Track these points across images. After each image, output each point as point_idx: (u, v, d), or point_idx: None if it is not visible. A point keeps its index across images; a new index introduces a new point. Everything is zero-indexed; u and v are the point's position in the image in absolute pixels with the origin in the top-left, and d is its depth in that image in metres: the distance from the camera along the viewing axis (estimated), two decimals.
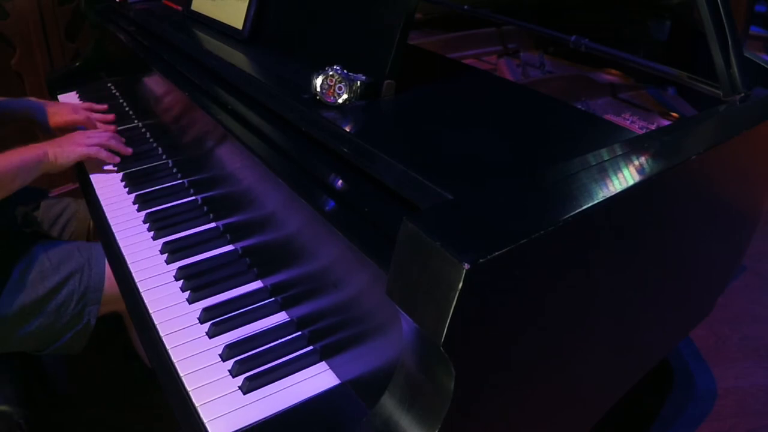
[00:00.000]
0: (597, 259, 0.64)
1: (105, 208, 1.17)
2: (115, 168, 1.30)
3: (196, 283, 0.93)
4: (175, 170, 1.26)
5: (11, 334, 1.12)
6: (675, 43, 1.42)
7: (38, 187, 1.56)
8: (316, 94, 0.84)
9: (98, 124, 1.41)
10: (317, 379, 0.77)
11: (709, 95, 0.90)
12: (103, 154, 1.26)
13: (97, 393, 1.57)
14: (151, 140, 1.40)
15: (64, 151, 1.21)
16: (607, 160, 0.67)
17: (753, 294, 2.02)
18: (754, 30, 3.26)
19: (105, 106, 1.51)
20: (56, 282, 1.11)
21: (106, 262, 1.13)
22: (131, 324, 1.10)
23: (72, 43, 2.25)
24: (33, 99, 1.51)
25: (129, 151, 1.31)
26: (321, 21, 0.98)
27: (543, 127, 0.83)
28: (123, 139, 1.33)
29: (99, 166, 1.33)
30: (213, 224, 1.08)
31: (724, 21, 0.85)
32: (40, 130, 1.48)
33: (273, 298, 0.89)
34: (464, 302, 0.49)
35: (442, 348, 0.51)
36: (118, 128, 1.44)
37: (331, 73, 0.83)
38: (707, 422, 1.57)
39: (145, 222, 1.10)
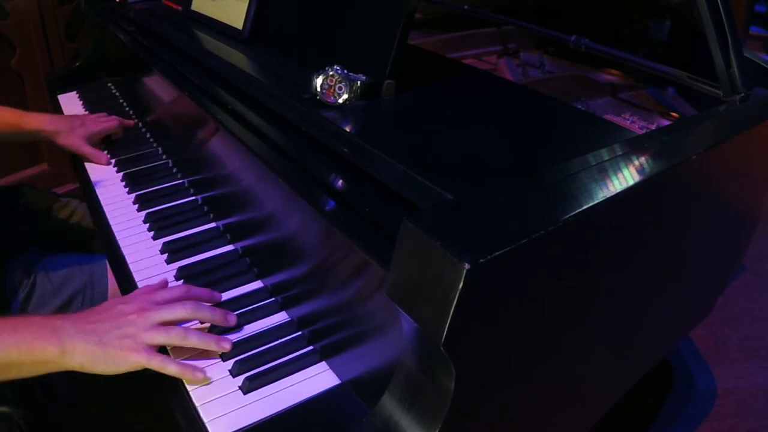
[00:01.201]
0: (597, 259, 0.64)
1: (105, 208, 1.17)
2: (115, 168, 1.30)
3: (196, 283, 0.93)
4: (175, 170, 1.26)
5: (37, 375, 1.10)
6: (675, 43, 1.42)
7: (44, 191, 1.56)
8: (316, 94, 0.84)
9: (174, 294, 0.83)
10: (317, 379, 0.77)
11: (709, 95, 0.90)
12: (175, 370, 0.74)
13: (97, 393, 1.57)
14: (151, 140, 1.40)
15: (106, 354, 0.73)
16: (607, 160, 0.67)
17: (753, 294, 2.02)
18: (754, 30, 3.27)
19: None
20: (59, 305, 1.09)
21: (110, 275, 1.12)
22: None
23: (72, 43, 2.26)
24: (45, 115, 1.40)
25: (232, 321, 0.82)
26: (321, 21, 0.98)
27: (543, 127, 0.83)
28: (207, 311, 0.81)
29: (99, 166, 1.33)
30: (213, 224, 1.08)
31: (724, 21, 0.85)
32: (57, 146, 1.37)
33: (273, 298, 0.89)
34: (464, 302, 0.49)
35: (442, 348, 0.51)
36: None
37: (331, 73, 0.83)
38: (707, 422, 1.57)
39: (145, 222, 1.10)
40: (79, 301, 1.11)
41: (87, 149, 1.33)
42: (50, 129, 1.34)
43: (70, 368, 0.73)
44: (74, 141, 1.33)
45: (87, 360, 0.73)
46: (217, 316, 0.81)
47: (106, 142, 1.40)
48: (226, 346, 0.78)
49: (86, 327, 0.74)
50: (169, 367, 0.74)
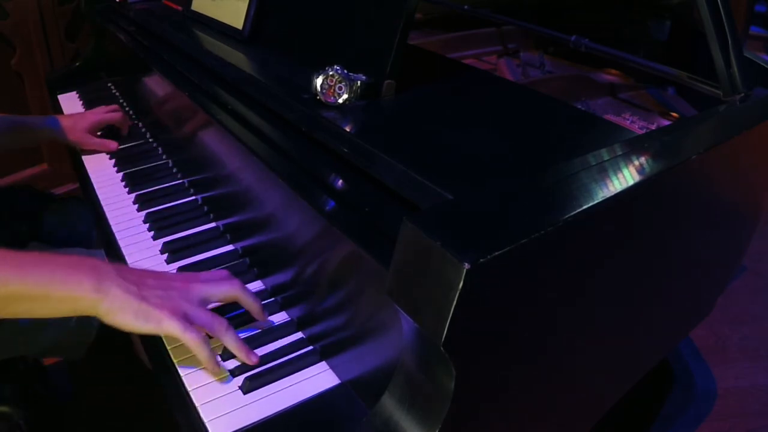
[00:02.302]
0: (597, 259, 0.64)
1: (105, 208, 1.17)
2: (115, 168, 1.30)
3: None
4: (175, 170, 1.26)
5: (13, 348, 1.11)
6: (675, 43, 1.42)
7: (43, 191, 1.56)
8: (316, 94, 0.84)
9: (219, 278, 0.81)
10: (317, 379, 0.77)
11: (709, 95, 0.90)
12: (205, 355, 0.72)
13: (98, 393, 1.57)
14: (151, 140, 1.40)
15: (140, 308, 0.69)
16: (607, 160, 0.67)
17: (753, 294, 2.02)
18: (754, 30, 3.27)
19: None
20: None
21: None
22: None
23: (72, 43, 2.25)
24: (50, 117, 1.41)
25: (260, 311, 0.81)
26: (321, 21, 0.98)
27: (543, 127, 0.83)
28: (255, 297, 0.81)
29: (99, 166, 1.33)
30: (213, 224, 1.08)
31: (724, 21, 0.85)
32: (61, 142, 1.39)
33: (273, 298, 0.89)
34: (464, 302, 0.49)
35: (442, 348, 0.51)
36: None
37: (331, 73, 0.83)
38: (707, 422, 1.57)
39: (145, 222, 1.10)
40: None
41: (93, 141, 1.35)
42: (53, 128, 1.36)
43: (95, 312, 0.68)
44: (79, 136, 1.36)
45: (118, 306, 0.68)
46: (256, 305, 0.79)
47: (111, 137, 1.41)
48: (254, 360, 0.76)
49: (130, 277, 0.71)
50: (202, 349, 0.70)
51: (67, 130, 1.36)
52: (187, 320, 0.71)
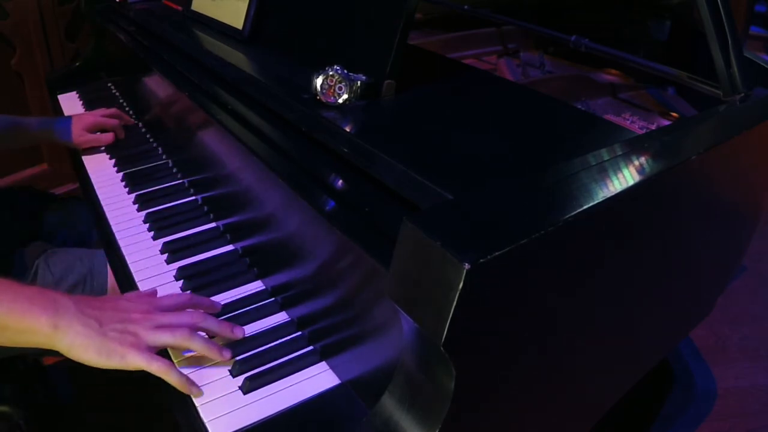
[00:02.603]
0: (597, 259, 0.64)
1: (105, 208, 1.17)
2: (115, 168, 1.30)
3: (196, 283, 0.93)
4: (175, 170, 1.26)
5: (13, 348, 1.11)
6: (675, 43, 1.42)
7: (43, 191, 1.56)
8: (316, 94, 0.84)
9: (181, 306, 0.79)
10: (317, 379, 0.77)
11: (709, 95, 0.90)
12: (175, 379, 0.72)
13: (98, 393, 1.57)
14: (151, 140, 1.40)
15: (101, 345, 0.68)
16: (607, 160, 0.67)
17: (753, 294, 2.02)
18: (754, 30, 3.27)
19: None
20: None
21: (109, 270, 1.13)
22: None
23: (72, 43, 2.26)
24: (44, 118, 1.44)
25: (239, 334, 0.80)
26: (321, 21, 0.98)
27: (543, 127, 0.83)
28: (214, 322, 0.78)
29: (99, 166, 1.33)
30: (213, 224, 1.08)
31: (724, 21, 0.85)
32: (60, 143, 1.40)
33: (273, 299, 0.89)
34: (464, 302, 0.49)
35: (442, 348, 0.51)
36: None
37: (331, 73, 0.83)
38: (707, 422, 1.57)
39: (145, 222, 1.10)
40: (79, 292, 1.12)
41: (87, 137, 1.37)
42: (49, 129, 1.38)
43: (55, 347, 0.67)
44: (74, 137, 1.37)
45: (80, 343, 0.67)
46: (224, 329, 0.78)
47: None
48: (227, 356, 0.76)
49: (88, 311, 0.70)
50: (171, 375, 0.71)
51: (62, 131, 1.38)
52: (150, 351, 0.71)
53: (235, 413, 0.72)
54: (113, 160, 1.34)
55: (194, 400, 0.74)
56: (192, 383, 0.73)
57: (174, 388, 0.75)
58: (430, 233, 0.50)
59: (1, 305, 0.67)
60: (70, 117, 1.41)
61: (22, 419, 1.11)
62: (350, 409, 0.73)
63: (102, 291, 1.14)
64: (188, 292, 0.83)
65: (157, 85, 1.30)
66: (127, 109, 1.57)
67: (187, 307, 0.78)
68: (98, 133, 1.39)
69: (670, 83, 1.27)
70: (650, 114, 1.19)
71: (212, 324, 0.77)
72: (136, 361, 0.69)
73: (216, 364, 0.79)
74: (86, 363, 0.69)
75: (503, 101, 0.93)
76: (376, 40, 0.86)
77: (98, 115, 1.41)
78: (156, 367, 0.70)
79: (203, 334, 0.77)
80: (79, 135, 1.37)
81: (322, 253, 0.76)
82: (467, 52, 1.47)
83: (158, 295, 0.80)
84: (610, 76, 1.36)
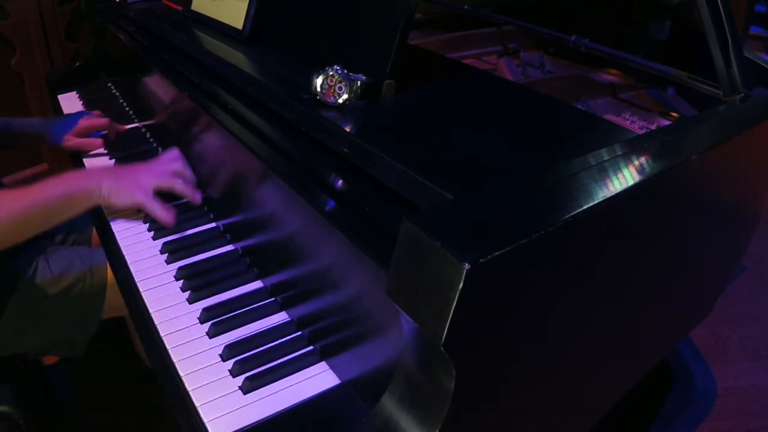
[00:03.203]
0: (597, 259, 0.64)
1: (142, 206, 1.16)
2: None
3: (196, 283, 0.93)
4: None
5: (13, 343, 1.12)
6: (675, 43, 1.42)
7: None
8: (316, 94, 0.84)
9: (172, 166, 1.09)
10: (317, 379, 0.77)
11: (709, 95, 0.90)
12: (158, 213, 1.02)
13: (98, 393, 1.57)
14: (151, 140, 1.40)
15: (121, 190, 1.01)
16: (607, 160, 0.67)
17: (753, 294, 2.02)
18: (754, 30, 3.27)
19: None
20: (57, 293, 1.11)
21: (108, 268, 1.13)
22: (132, 325, 1.10)
23: (72, 43, 2.25)
24: (37, 118, 1.44)
25: (198, 199, 1.07)
26: (321, 21, 0.98)
27: (543, 127, 0.83)
28: (195, 180, 1.09)
29: (99, 166, 1.33)
30: (213, 224, 1.08)
31: (724, 21, 0.85)
32: (50, 147, 1.42)
33: (273, 298, 0.89)
34: (464, 302, 0.49)
35: (442, 348, 0.51)
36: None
37: (331, 73, 0.83)
38: (707, 422, 1.57)
39: (145, 222, 1.10)
40: (78, 290, 1.12)
41: (74, 142, 1.37)
42: (36, 132, 1.38)
43: (101, 199, 1.00)
44: (62, 140, 1.37)
45: (108, 192, 1.00)
46: (189, 192, 1.06)
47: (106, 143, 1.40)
48: (198, 199, 1.07)
49: (111, 171, 1.09)
50: (155, 211, 1.01)
51: (55, 136, 1.37)
52: (148, 192, 1.02)
53: (235, 413, 0.72)
54: (113, 161, 1.34)
55: (194, 400, 0.74)
56: (170, 216, 1.02)
57: (174, 388, 0.75)
58: (430, 233, 0.50)
59: (71, 188, 0.99)
60: (65, 122, 1.39)
61: (22, 419, 1.11)
62: (350, 409, 0.73)
63: (101, 289, 1.14)
64: (179, 161, 1.09)
65: (157, 85, 1.30)
66: (127, 109, 1.57)
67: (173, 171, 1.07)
68: (87, 138, 1.37)
69: (670, 83, 1.27)
70: (650, 114, 1.19)
71: (179, 186, 1.05)
72: (137, 199, 1.01)
73: (216, 364, 0.79)
74: (116, 205, 1.03)
75: (503, 101, 0.93)
76: (376, 40, 0.86)
77: (88, 119, 1.39)
78: (148, 205, 1.02)
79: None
80: (67, 139, 1.37)
81: (322, 253, 0.76)
82: (467, 52, 1.47)
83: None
84: (610, 76, 1.36)
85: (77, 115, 1.40)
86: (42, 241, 1.21)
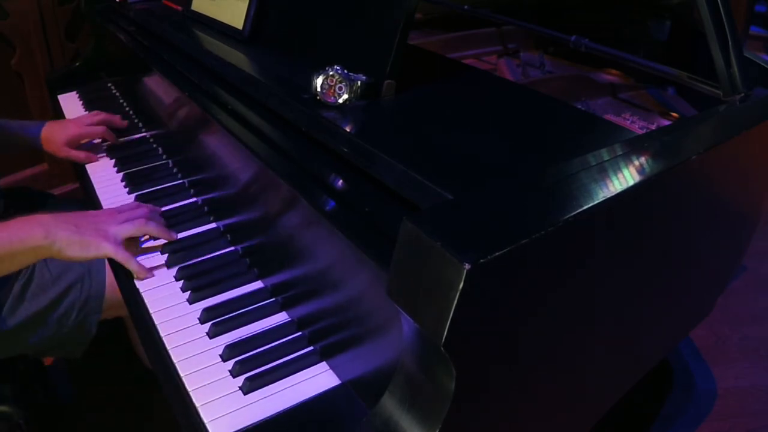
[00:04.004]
0: (597, 259, 0.64)
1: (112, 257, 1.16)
2: (115, 168, 1.30)
3: (196, 283, 0.93)
4: (175, 170, 1.26)
5: (13, 345, 1.12)
6: (675, 43, 1.42)
7: (42, 191, 1.56)
8: (316, 94, 0.84)
9: (139, 211, 1.01)
10: (317, 379, 0.77)
11: (709, 95, 0.90)
12: (134, 266, 0.93)
13: (98, 393, 1.57)
14: (151, 140, 1.40)
15: (84, 242, 0.89)
16: (607, 160, 0.67)
17: (753, 294, 2.02)
18: (754, 30, 3.27)
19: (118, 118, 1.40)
20: (56, 294, 1.10)
21: (107, 268, 1.13)
22: (132, 325, 1.10)
23: (72, 43, 2.25)
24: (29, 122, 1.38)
25: (175, 237, 1.01)
26: (321, 21, 0.98)
27: (543, 127, 0.83)
28: (163, 220, 1.03)
29: (99, 167, 1.33)
30: (213, 225, 1.08)
31: (724, 21, 0.85)
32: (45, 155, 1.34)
33: (273, 299, 0.89)
34: (465, 302, 0.49)
35: (442, 348, 0.51)
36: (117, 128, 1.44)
37: (331, 73, 0.83)
38: (707, 422, 1.57)
39: None
40: (77, 291, 1.12)
41: (67, 152, 1.32)
42: (31, 137, 1.34)
43: (51, 253, 0.88)
44: (55, 148, 1.33)
45: (64, 244, 0.88)
46: (164, 233, 1.00)
47: (106, 147, 1.39)
48: (175, 236, 1.00)
49: (67, 220, 0.91)
50: (131, 263, 0.93)
51: (43, 140, 1.33)
52: (117, 242, 0.92)
53: (236, 413, 0.72)
54: (113, 160, 1.34)
55: (194, 400, 0.74)
56: (146, 269, 0.94)
57: (174, 389, 0.75)
58: (430, 233, 0.50)
59: (6, 240, 0.86)
60: (53, 125, 1.35)
61: (22, 419, 1.11)
62: (350, 409, 0.73)
63: (100, 289, 1.14)
64: (145, 206, 1.02)
65: (157, 85, 1.30)
66: (127, 109, 1.57)
67: (147, 217, 0.99)
68: (81, 151, 1.34)
69: (670, 83, 1.27)
70: (650, 114, 1.19)
71: (153, 228, 0.98)
72: (107, 250, 0.91)
73: (216, 365, 0.79)
74: (74, 259, 0.90)
75: (503, 101, 0.93)
76: (376, 40, 0.86)
77: (83, 124, 1.36)
78: (120, 256, 0.92)
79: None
80: (59, 148, 1.32)
81: (322, 254, 0.76)
82: (467, 52, 1.46)
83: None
84: (610, 76, 1.36)
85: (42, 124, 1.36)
86: None
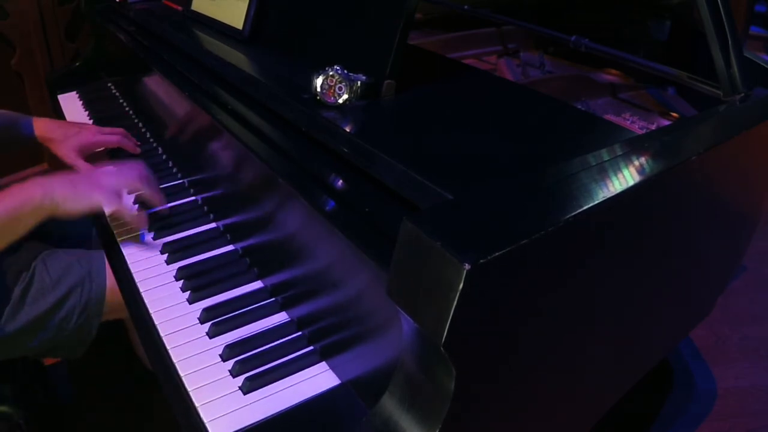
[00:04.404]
0: (597, 260, 0.64)
1: (105, 209, 1.17)
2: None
3: (196, 283, 0.93)
4: (175, 170, 1.26)
5: (12, 349, 1.11)
6: (675, 43, 1.42)
7: None
8: (316, 94, 0.84)
9: (132, 167, 1.05)
10: (317, 379, 0.77)
11: (709, 95, 0.90)
12: (125, 212, 0.98)
13: (98, 393, 1.57)
14: (151, 140, 1.40)
15: (76, 194, 0.92)
16: (607, 160, 0.67)
17: (753, 294, 2.02)
18: (754, 30, 3.27)
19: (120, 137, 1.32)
20: (57, 298, 1.10)
21: (108, 271, 1.13)
22: (132, 326, 1.10)
23: (72, 43, 2.26)
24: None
25: (164, 202, 1.06)
26: (321, 21, 0.98)
27: (543, 127, 0.83)
28: (156, 185, 1.06)
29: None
30: (213, 224, 1.08)
31: (724, 21, 0.85)
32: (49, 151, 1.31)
33: (273, 298, 0.89)
34: (464, 303, 0.49)
35: (442, 348, 0.51)
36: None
37: (331, 73, 0.83)
38: (707, 422, 1.57)
39: None
40: (78, 294, 1.12)
41: (75, 161, 1.28)
42: (43, 136, 1.32)
43: (53, 211, 0.91)
44: (65, 152, 1.30)
45: (61, 199, 0.91)
46: (155, 196, 1.04)
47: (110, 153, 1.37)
48: (164, 202, 1.05)
49: (62, 177, 0.95)
50: (124, 212, 0.98)
51: (44, 139, 1.31)
52: (110, 194, 0.95)
53: (235, 413, 0.72)
54: (113, 160, 1.34)
55: (194, 400, 0.74)
56: (142, 219, 1.00)
57: (174, 388, 0.75)
58: (430, 233, 0.50)
59: (12, 207, 0.89)
60: (68, 128, 1.33)
61: (22, 419, 1.11)
62: (350, 409, 0.73)
63: (101, 291, 1.13)
64: (140, 165, 1.05)
65: (157, 85, 1.30)
66: (127, 109, 1.57)
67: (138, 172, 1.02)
68: (89, 165, 1.28)
69: (670, 83, 1.27)
70: (650, 114, 1.19)
71: (154, 191, 1.03)
72: (100, 201, 0.93)
73: (216, 364, 0.79)
74: (72, 213, 0.92)
75: (503, 101, 0.93)
76: (376, 40, 0.86)
77: (98, 133, 1.32)
78: (113, 206, 0.95)
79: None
80: (68, 154, 1.29)
81: (322, 253, 0.76)
82: (467, 52, 1.46)
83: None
84: (610, 76, 1.36)
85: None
86: (39, 245, 1.21)
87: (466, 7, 1.41)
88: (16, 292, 1.07)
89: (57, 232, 1.36)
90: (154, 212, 1.07)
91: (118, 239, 1.05)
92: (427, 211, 0.59)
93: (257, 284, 0.93)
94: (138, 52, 1.33)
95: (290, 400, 0.74)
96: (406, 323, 0.56)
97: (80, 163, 1.28)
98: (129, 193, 1.01)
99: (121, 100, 1.63)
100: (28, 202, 0.90)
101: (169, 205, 1.02)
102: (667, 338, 0.99)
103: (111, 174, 0.98)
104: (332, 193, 0.74)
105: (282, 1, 1.08)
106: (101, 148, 1.34)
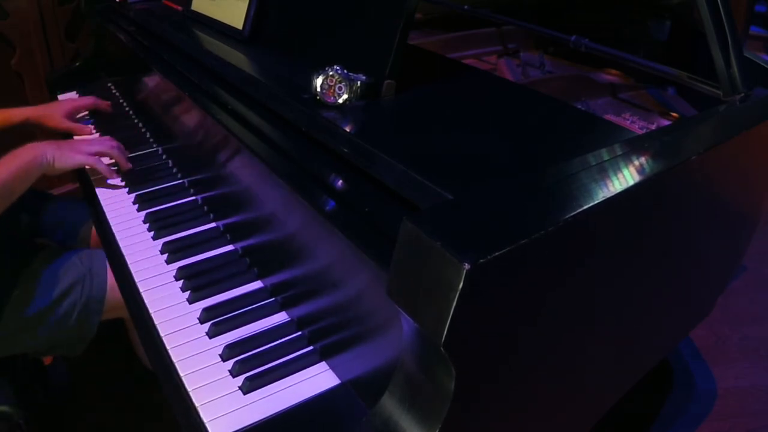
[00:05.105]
0: (597, 259, 0.64)
1: (105, 208, 1.17)
2: (115, 168, 1.30)
3: (196, 283, 0.93)
4: (175, 170, 1.26)
5: (12, 346, 1.12)
6: (675, 43, 1.42)
7: (42, 191, 1.56)
8: (316, 94, 0.84)
9: (105, 139, 1.29)
10: (317, 379, 0.77)
11: (709, 95, 0.90)
12: (101, 166, 1.21)
13: (98, 393, 1.57)
14: (151, 140, 1.40)
15: (63, 154, 1.15)
16: (607, 160, 0.67)
17: (753, 294, 2.02)
18: (754, 30, 3.27)
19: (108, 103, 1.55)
20: (57, 294, 1.10)
21: (108, 269, 1.13)
22: (132, 325, 1.10)
23: (72, 43, 2.25)
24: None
25: (129, 165, 1.25)
26: (321, 21, 0.98)
27: (543, 127, 0.83)
28: (127, 153, 1.27)
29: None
30: (213, 224, 1.08)
31: (724, 21, 0.85)
32: (43, 132, 1.46)
33: (273, 298, 0.89)
34: (464, 302, 0.49)
35: (442, 348, 0.51)
36: (118, 128, 1.44)
37: (331, 73, 0.83)
38: (707, 422, 1.57)
39: (145, 222, 1.10)
40: (78, 292, 1.12)
41: (69, 125, 1.46)
42: (34, 116, 1.46)
43: (45, 168, 1.12)
44: (57, 121, 1.45)
45: (52, 158, 1.13)
46: (123, 161, 1.25)
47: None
48: (130, 165, 1.25)
49: (49, 142, 1.16)
50: (99, 165, 1.21)
51: (39, 118, 1.45)
52: (89, 154, 1.19)
53: (235, 413, 0.72)
54: (113, 160, 1.34)
55: (194, 400, 0.74)
56: (112, 171, 1.24)
57: (174, 388, 0.75)
58: (430, 233, 0.50)
59: (17, 167, 1.08)
60: (48, 105, 1.50)
61: (22, 419, 1.11)
62: (350, 409, 0.73)
63: (101, 289, 1.14)
64: (112, 139, 1.27)
65: (157, 86, 1.30)
66: (126, 108, 1.57)
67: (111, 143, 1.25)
68: (80, 124, 1.48)
69: (670, 83, 1.27)
70: (650, 114, 1.19)
71: (116, 154, 1.24)
72: (81, 159, 1.18)
73: (216, 364, 0.79)
74: (61, 169, 1.15)
75: (503, 101, 0.93)
76: (376, 40, 0.86)
77: (74, 101, 1.52)
78: (90, 161, 1.19)
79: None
80: (60, 122, 1.45)
81: (322, 253, 0.76)
82: (467, 52, 1.47)
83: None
84: (610, 76, 1.36)
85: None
86: (40, 242, 1.21)
87: (466, 7, 1.41)
88: (17, 289, 1.08)
89: (56, 233, 1.37)
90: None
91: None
92: (427, 211, 0.59)
93: (257, 284, 0.93)
94: (138, 52, 1.33)
95: (290, 400, 0.74)
96: (406, 323, 0.56)
97: (73, 125, 1.47)
98: (102, 156, 1.21)
99: (121, 100, 1.62)
100: (25, 165, 1.09)
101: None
102: (667, 338, 0.99)
103: (89, 141, 1.24)
104: (332, 193, 0.74)
105: (282, 1, 1.08)
106: (83, 113, 1.55)
